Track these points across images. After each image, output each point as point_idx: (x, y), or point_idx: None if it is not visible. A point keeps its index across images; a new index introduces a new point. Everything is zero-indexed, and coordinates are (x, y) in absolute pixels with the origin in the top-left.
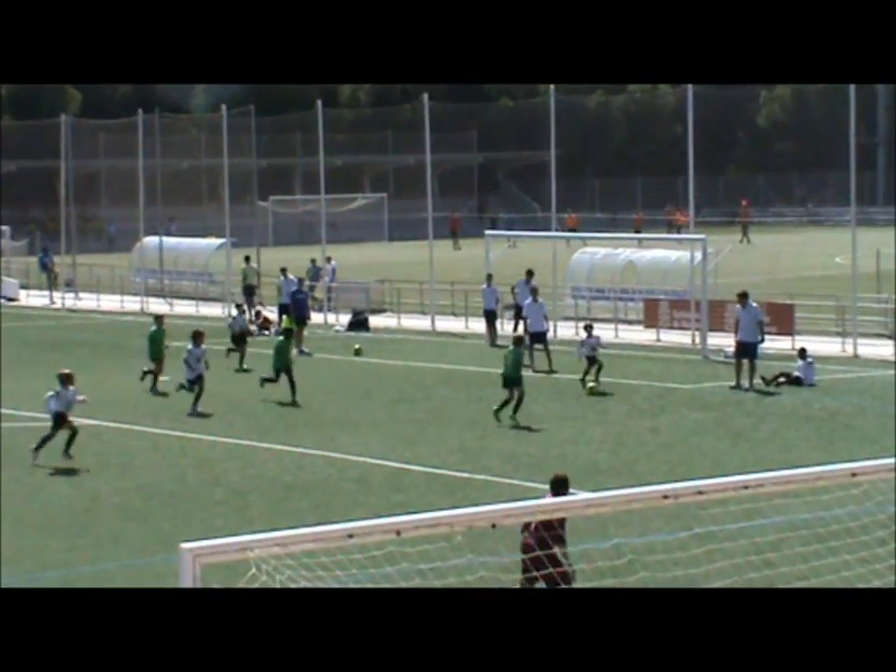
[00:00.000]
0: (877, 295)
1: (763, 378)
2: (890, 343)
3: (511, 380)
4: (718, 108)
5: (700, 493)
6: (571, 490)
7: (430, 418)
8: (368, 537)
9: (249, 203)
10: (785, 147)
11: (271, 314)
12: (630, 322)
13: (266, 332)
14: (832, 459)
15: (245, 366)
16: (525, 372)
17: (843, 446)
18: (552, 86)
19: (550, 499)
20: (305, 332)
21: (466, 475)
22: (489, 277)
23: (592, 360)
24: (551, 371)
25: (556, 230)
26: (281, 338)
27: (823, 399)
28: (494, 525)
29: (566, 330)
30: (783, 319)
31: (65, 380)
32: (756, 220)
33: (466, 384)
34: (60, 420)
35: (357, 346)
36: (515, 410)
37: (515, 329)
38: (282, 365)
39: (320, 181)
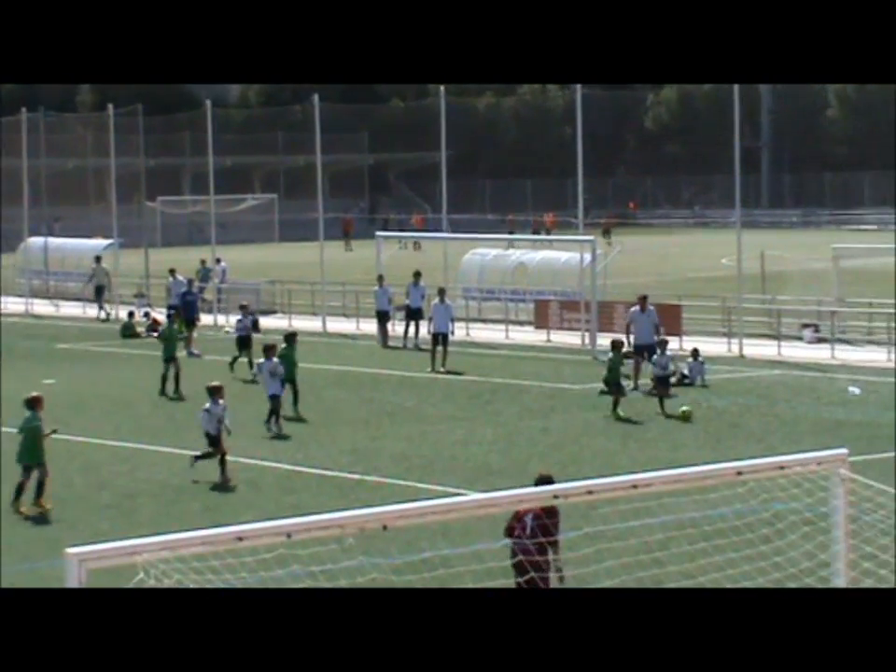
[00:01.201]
0: (762, 296)
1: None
2: (775, 343)
3: (612, 382)
4: (606, 111)
5: (590, 492)
6: (463, 491)
7: (322, 419)
8: (258, 539)
9: (137, 203)
10: (672, 149)
11: (159, 315)
12: (521, 323)
13: (154, 333)
14: (718, 458)
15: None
16: (438, 375)
17: (729, 445)
18: (442, 87)
19: (455, 500)
20: (195, 334)
21: (357, 477)
22: (380, 278)
23: (661, 382)
24: (447, 373)
25: (447, 230)
26: (284, 346)
27: (710, 399)
28: (385, 527)
29: (458, 331)
30: (671, 320)
31: (214, 393)
32: (643, 222)
33: (358, 385)
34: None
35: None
36: (614, 408)
37: (407, 329)
38: (290, 375)
39: (209, 181)
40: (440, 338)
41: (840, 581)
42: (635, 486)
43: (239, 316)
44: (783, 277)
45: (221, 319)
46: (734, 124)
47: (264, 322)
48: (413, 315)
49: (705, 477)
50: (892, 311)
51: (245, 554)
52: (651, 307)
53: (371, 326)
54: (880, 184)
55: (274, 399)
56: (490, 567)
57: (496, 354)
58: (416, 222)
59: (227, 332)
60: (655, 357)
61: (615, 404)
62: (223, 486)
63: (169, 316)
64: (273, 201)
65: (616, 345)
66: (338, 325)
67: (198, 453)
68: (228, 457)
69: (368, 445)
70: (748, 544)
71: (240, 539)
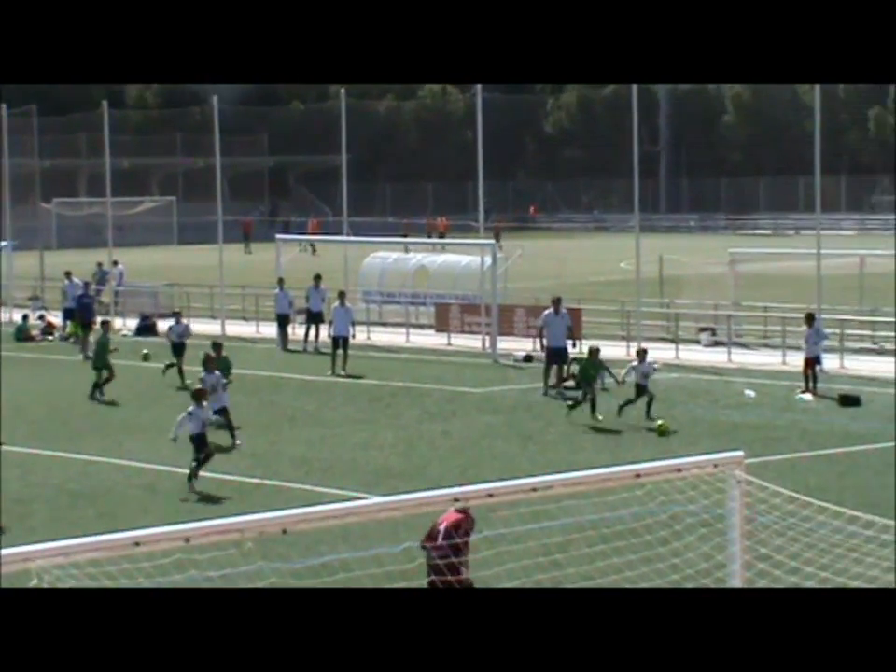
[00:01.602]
0: (660, 300)
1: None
2: (672, 346)
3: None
4: (507, 115)
5: (490, 496)
6: (363, 495)
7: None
8: (155, 544)
9: (32, 204)
10: (572, 153)
11: (55, 318)
12: (421, 326)
13: (50, 337)
14: (617, 461)
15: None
16: (338, 378)
17: (627, 448)
18: (342, 89)
19: (355, 503)
20: (91, 337)
21: (256, 480)
22: (281, 281)
23: (641, 390)
24: (347, 376)
25: (347, 234)
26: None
27: (610, 402)
28: (285, 531)
29: (358, 335)
30: (573, 322)
31: (199, 396)
32: (543, 226)
33: (257, 388)
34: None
35: (144, 351)
36: (592, 409)
37: (307, 332)
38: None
39: (106, 183)
40: (340, 341)
41: (736, 582)
42: (534, 489)
43: (172, 322)
44: (681, 281)
45: (119, 323)
46: (632, 129)
47: (162, 325)
48: (314, 318)
49: (603, 480)
50: (787, 315)
51: (142, 560)
52: (565, 310)
53: (270, 329)
54: (775, 189)
55: (223, 413)
56: (390, 571)
57: (396, 357)
58: (312, 226)
59: (124, 336)
60: (635, 364)
61: (592, 405)
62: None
63: (104, 323)
64: (171, 203)
65: (592, 352)
66: (237, 328)
67: (188, 471)
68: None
69: (267, 449)
70: (646, 546)
71: (137, 544)
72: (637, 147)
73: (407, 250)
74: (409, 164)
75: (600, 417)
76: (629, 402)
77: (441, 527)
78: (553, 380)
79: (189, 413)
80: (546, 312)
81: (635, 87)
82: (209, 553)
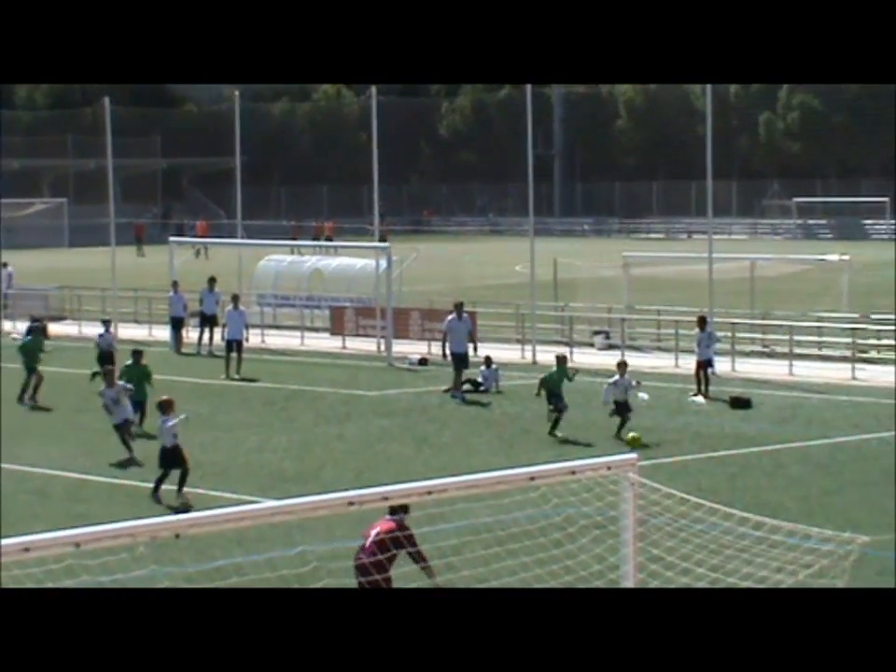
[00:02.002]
0: (555, 303)
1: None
2: (567, 349)
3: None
4: (401, 118)
5: (385, 499)
6: (258, 499)
7: (110, 429)
8: (46, 550)
9: None
10: (467, 157)
11: None
12: (316, 329)
13: None
14: (511, 464)
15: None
16: (232, 382)
17: (522, 451)
18: (236, 91)
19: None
20: None
21: (149, 485)
22: (175, 284)
23: (622, 407)
24: (241, 380)
25: (242, 236)
26: (129, 362)
27: (504, 405)
28: (178, 536)
29: (252, 338)
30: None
31: (165, 407)
32: (438, 229)
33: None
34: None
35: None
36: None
37: (201, 336)
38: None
39: None
40: (234, 344)
41: (628, 583)
42: (429, 492)
43: (101, 331)
44: (575, 285)
45: (8, 325)
46: (527, 132)
47: (53, 328)
48: (208, 321)
49: (498, 482)
50: (679, 318)
51: (32, 565)
52: (466, 314)
53: (164, 332)
54: (668, 193)
55: (124, 426)
56: (284, 575)
57: (291, 360)
58: (200, 229)
59: (13, 339)
60: (616, 379)
61: (555, 421)
62: (184, 507)
63: (31, 330)
64: (62, 205)
65: (560, 360)
66: (130, 331)
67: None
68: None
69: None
70: (540, 548)
71: (26, 549)
72: (532, 151)
73: (296, 252)
74: (303, 167)
75: (559, 434)
76: (623, 424)
77: (373, 532)
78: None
79: (163, 423)
80: (449, 317)
81: (529, 90)
82: (101, 559)
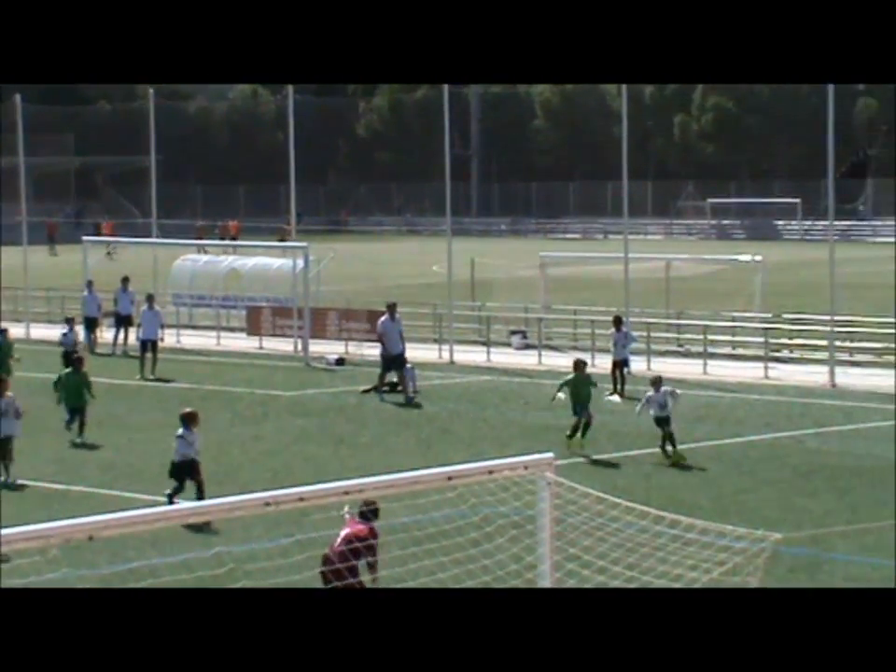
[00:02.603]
0: (472, 303)
1: (386, 387)
2: (484, 349)
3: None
4: (318, 117)
5: (302, 499)
6: (177, 501)
7: (25, 429)
8: None
9: None
10: (384, 157)
11: None
12: (233, 329)
13: None
14: (429, 464)
15: None
16: (147, 382)
17: (440, 450)
18: (151, 89)
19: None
20: None
21: (62, 487)
22: (89, 284)
23: (663, 423)
24: (157, 380)
25: (157, 236)
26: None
27: (425, 406)
28: (91, 538)
29: (168, 338)
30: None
31: (189, 421)
32: (356, 229)
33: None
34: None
35: None
36: (584, 433)
37: (116, 336)
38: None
39: None
40: (149, 345)
41: (545, 583)
42: (346, 493)
43: (65, 330)
44: (492, 284)
45: None
46: (444, 132)
47: None
48: (122, 321)
49: (415, 482)
50: (595, 318)
51: None
52: (398, 315)
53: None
54: (585, 193)
55: (6, 442)
56: (201, 576)
57: (207, 361)
58: (106, 228)
59: None
60: (650, 394)
61: (585, 429)
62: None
63: (2, 331)
64: None
65: (578, 366)
66: (43, 331)
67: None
68: None
69: (74, 454)
70: (458, 548)
71: None
72: (449, 151)
73: (202, 252)
74: (220, 166)
75: (584, 445)
76: (666, 440)
77: (343, 533)
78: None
79: (179, 437)
80: (382, 318)
81: (446, 90)
82: (13, 562)
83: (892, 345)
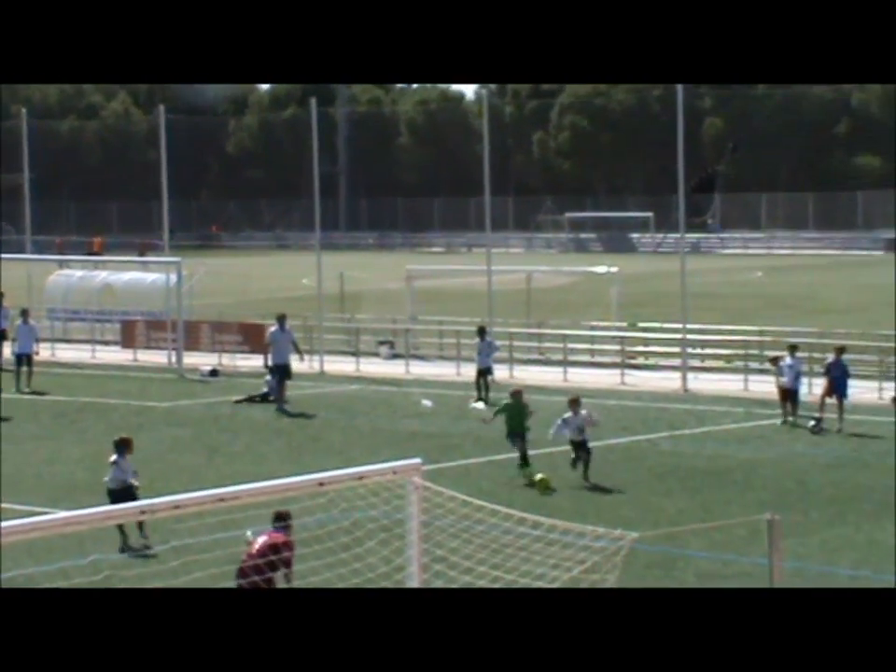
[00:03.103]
0: (341, 314)
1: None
2: (353, 359)
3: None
4: (190, 135)
5: (177, 507)
6: (49, 510)
7: None
8: None
9: None
10: (254, 174)
11: None
12: (107, 343)
13: None
14: (301, 471)
15: None
16: (22, 395)
17: (311, 458)
18: (24, 109)
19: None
20: None
21: None
22: None
23: (579, 447)
24: (32, 393)
25: (31, 252)
26: None
27: (293, 414)
28: None
29: (43, 352)
30: (255, 338)
31: (124, 446)
32: (227, 244)
33: None
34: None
35: None
36: (586, 471)
37: None
38: None
39: None
40: (24, 358)
41: (413, 583)
42: (222, 500)
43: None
44: (360, 297)
45: None
46: (312, 150)
47: None
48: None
49: (287, 489)
50: (460, 328)
51: None
52: (289, 327)
53: None
54: (448, 209)
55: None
56: (78, 583)
57: (82, 373)
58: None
59: None
60: (567, 416)
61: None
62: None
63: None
64: None
65: (515, 394)
66: None
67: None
68: None
69: None
70: (328, 552)
71: None
72: (318, 168)
73: (65, 267)
74: (93, 183)
75: (530, 475)
76: (575, 460)
77: (259, 541)
78: (242, 395)
79: (113, 463)
80: (272, 328)
81: (314, 109)
82: None
83: (741, 351)
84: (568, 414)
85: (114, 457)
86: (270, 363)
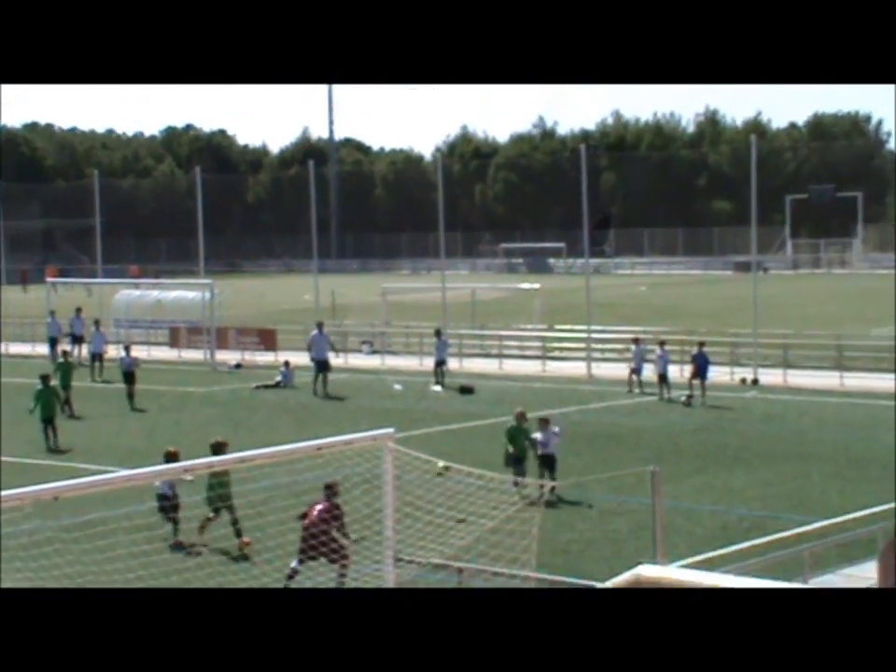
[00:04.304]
0: (333, 321)
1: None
2: (343, 355)
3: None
4: (219, 188)
5: (210, 466)
6: (116, 469)
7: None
8: None
9: None
10: (267, 217)
11: None
12: (159, 344)
13: None
14: (303, 438)
15: None
16: (89, 383)
17: (311, 430)
18: (95, 171)
19: (106, 476)
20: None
21: (35, 461)
22: (52, 312)
23: (546, 461)
24: (103, 382)
25: (101, 277)
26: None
27: (298, 397)
28: (56, 498)
29: (111, 352)
30: (269, 340)
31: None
32: (247, 270)
33: (21, 394)
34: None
35: None
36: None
37: (72, 350)
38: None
39: None
40: (97, 356)
41: (388, 522)
42: (243, 461)
43: (123, 354)
44: (347, 308)
45: None
46: (310, 199)
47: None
48: (77, 340)
49: (293, 452)
50: (423, 330)
51: None
52: (326, 331)
53: (43, 348)
54: (414, 242)
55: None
56: (137, 524)
57: (140, 368)
58: (50, 272)
59: None
60: (537, 435)
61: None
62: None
63: (65, 352)
64: None
65: (519, 416)
66: (18, 348)
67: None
68: None
69: (39, 436)
70: (345, 503)
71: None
72: (315, 212)
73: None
74: (146, 225)
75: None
76: (544, 475)
77: (317, 508)
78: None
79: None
80: (313, 332)
81: (311, 167)
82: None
83: (631, 346)
84: (537, 434)
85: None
86: (311, 358)
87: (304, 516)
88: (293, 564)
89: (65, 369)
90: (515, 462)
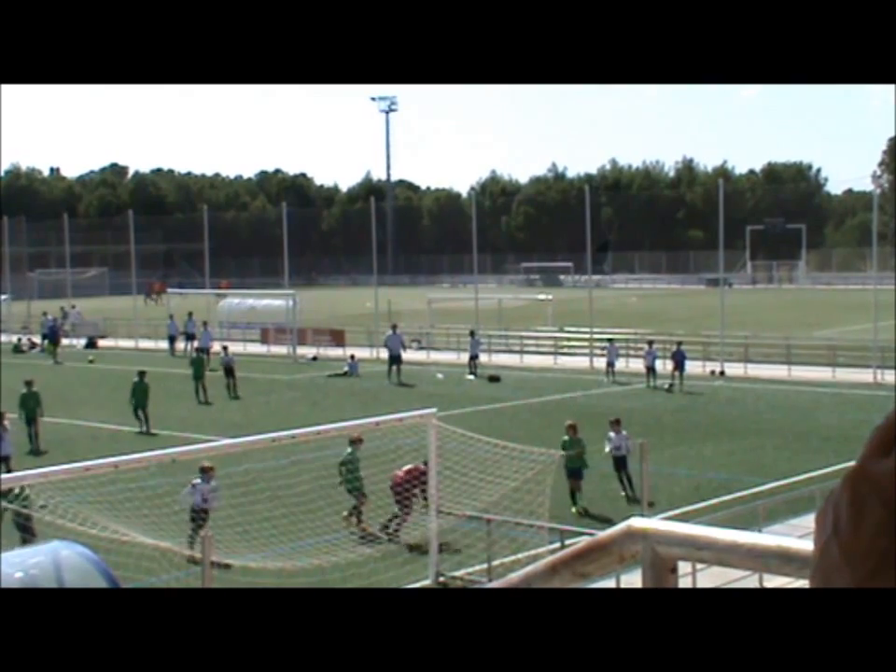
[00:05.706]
0: (388, 324)
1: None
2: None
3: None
4: (300, 219)
5: (293, 437)
6: (220, 438)
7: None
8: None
9: (21, 273)
10: (337, 242)
11: (36, 338)
12: (253, 341)
13: (34, 351)
14: (365, 416)
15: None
16: (213, 373)
17: (372, 409)
18: (205, 206)
19: (212, 444)
20: (59, 349)
21: (165, 432)
22: (171, 316)
23: (618, 463)
24: (211, 370)
25: (209, 287)
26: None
27: (363, 384)
28: (174, 461)
29: (216, 347)
30: (339, 337)
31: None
32: (323, 283)
33: (124, 382)
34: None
35: (90, 358)
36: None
37: (186, 346)
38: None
39: (66, 262)
40: (205, 351)
41: (433, 482)
42: (318, 433)
43: (222, 354)
44: (401, 314)
45: (74, 341)
46: (372, 228)
47: (103, 342)
48: (190, 337)
49: (358, 427)
50: (461, 332)
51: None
52: (399, 332)
53: (164, 344)
54: (454, 261)
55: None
56: (232, 483)
57: (239, 360)
58: (158, 286)
59: (77, 349)
60: (611, 435)
61: (573, 494)
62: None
63: (200, 350)
64: (104, 272)
65: (569, 429)
66: (143, 343)
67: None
68: None
69: (164, 413)
70: (385, 463)
71: (115, 465)
72: (375, 237)
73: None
74: (244, 248)
75: (573, 510)
76: (627, 480)
77: (403, 470)
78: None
79: (193, 486)
80: (388, 332)
81: (373, 202)
82: (140, 471)
83: (625, 343)
84: (610, 433)
85: (196, 480)
86: (387, 354)
87: (394, 484)
88: (395, 509)
89: (199, 362)
90: (570, 475)
